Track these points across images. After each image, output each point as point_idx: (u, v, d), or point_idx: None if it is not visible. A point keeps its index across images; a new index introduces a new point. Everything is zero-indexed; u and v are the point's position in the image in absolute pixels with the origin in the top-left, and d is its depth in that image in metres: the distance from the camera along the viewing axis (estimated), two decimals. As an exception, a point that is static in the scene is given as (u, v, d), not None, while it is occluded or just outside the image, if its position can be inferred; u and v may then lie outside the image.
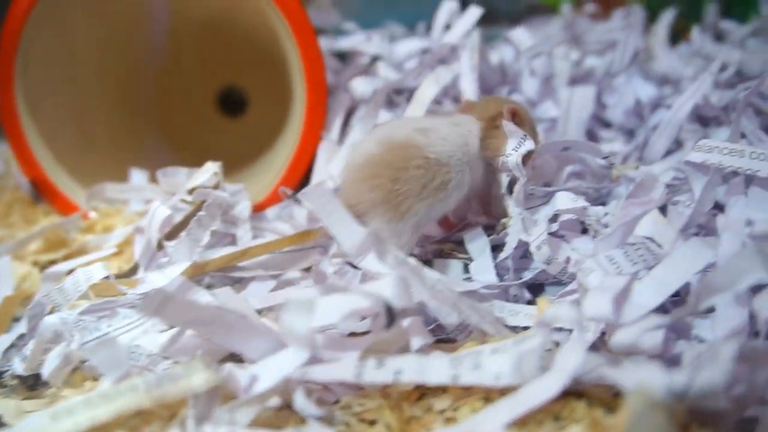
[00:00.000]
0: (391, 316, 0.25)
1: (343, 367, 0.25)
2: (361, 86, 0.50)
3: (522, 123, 0.38)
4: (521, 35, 0.51)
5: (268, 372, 0.26)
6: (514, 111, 0.38)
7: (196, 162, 0.67)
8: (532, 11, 0.72)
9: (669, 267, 0.28)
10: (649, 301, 0.26)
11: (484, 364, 0.25)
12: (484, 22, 0.74)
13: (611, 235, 0.29)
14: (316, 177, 0.48)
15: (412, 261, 0.29)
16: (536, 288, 0.35)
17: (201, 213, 0.36)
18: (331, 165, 0.47)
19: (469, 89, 0.47)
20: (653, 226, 0.34)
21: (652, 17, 0.68)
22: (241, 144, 0.65)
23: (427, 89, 0.46)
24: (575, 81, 0.52)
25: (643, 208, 0.29)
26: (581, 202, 0.36)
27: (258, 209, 0.49)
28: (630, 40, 0.52)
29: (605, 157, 0.38)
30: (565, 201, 0.36)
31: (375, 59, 0.60)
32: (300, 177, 0.50)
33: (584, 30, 0.63)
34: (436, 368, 0.25)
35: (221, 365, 0.27)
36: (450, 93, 0.50)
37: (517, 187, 0.35)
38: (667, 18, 0.67)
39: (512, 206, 0.35)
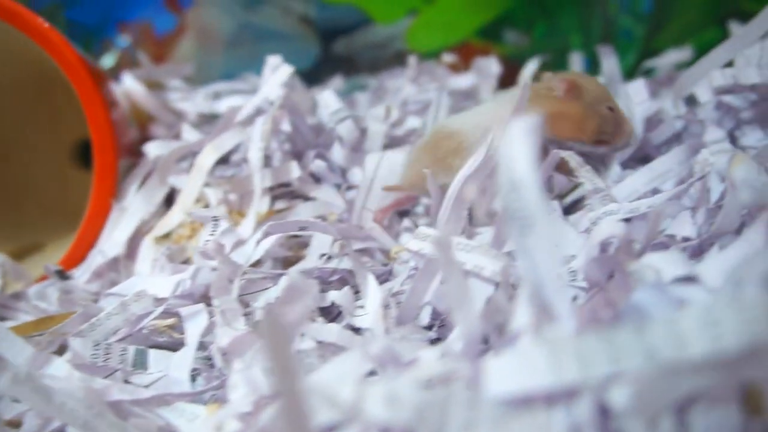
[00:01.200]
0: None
1: None
2: (154, 150, 0.48)
3: (581, 97, 0.39)
4: (329, 97, 0.49)
5: None
6: (571, 84, 0.39)
7: (47, 219, 0.66)
8: (400, 59, 0.69)
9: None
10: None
11: None
12: (346, 70, 0.72)
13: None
14: (100, 248, 0.46)
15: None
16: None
17: None
18: (114, 235, 0.45)
19: (255, 158, 0.44)
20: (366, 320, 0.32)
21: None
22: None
23: (207, 157, 0.44)
24: (394, 144, 0.50)
25: (294, 315, 0.26)
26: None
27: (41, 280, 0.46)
28: (442, 100, 0.50)
29: (338, 239, 0.35)
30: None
31: (214, 117, 0.58)
32: (88, 248, 0.47)
33: (437, 82, 0.61)
34: None
35: None
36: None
37: (220, 274, 0.32)
38: (529, 69, 0.65)
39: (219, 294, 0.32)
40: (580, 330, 0.24)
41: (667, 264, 0.25)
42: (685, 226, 0.31)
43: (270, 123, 0.45)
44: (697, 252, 0.30)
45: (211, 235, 0.33)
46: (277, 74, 0.50)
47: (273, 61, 0.54)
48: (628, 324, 0.17)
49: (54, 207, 0.66)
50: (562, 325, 0.20)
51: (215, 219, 0.33)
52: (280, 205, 0.47)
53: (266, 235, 0.35)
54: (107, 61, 0.73)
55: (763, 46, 0.43)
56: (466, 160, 0.37)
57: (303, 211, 0.46)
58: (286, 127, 0.50)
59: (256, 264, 0.40)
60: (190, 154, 0.48)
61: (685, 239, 0.31)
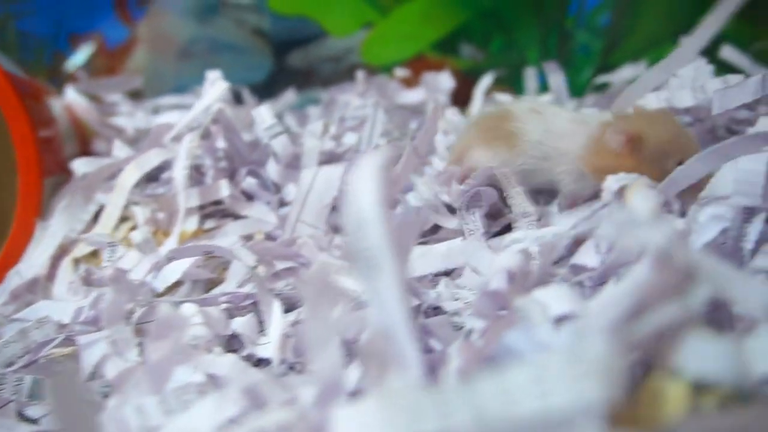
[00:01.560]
0: None
1: None
2: (81, 167, 0.47)
3: (641, 151, 0.34)
4: (264, 112, 0.48)
5: None
6: (631, 138, 0.34)
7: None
8: (354, 72, 0.68)
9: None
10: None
11: None
12: (301, 84, 0.71)
13: (139, 381, 0.26)
14: (17, 268, 0.44)
15: None
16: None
17: None
18: (33, 255, 0.44)
19: (179, 176, 0.43)
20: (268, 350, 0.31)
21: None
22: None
23: (130, 175, 0.43)
24: (332, 160, 0.49)
25: (168, 352, 0.25)
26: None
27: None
28: (378, 116, 0.49)
29: (253, 268, 0.34)
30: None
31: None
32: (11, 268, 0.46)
33: (387, 97, 0.60)
34: None
35: None
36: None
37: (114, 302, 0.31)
38: (483, 83, 0.64)
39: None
40: (464, 368, 0.23)
41: (554, 300, 0.24)
42: (589, 256, 0.30)
43: (197, 140, 0.44)
44: (602, 283, 0.29)
45: (109, 260, 0.31)
46: (211, 90, 0.49)
47: (212, 75, 0.53)
48: (459, 379, 0.16)
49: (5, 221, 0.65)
50: (407, 374, 0.19)
51: (111, 244, 0.32)
52: (210, 224, 0.46)
53: (169, 260, 0.34)
54: (78, 58, 0.71)
55: (698, 67, 0.42)
56: (513, 151, 0.39)
57: (232, 230, 0.45)
58: (221, 143, 0.49)
59: (174, 287, 0.39)
60: (119, 172, 0.47)
61: (593, 269, 0.30)
